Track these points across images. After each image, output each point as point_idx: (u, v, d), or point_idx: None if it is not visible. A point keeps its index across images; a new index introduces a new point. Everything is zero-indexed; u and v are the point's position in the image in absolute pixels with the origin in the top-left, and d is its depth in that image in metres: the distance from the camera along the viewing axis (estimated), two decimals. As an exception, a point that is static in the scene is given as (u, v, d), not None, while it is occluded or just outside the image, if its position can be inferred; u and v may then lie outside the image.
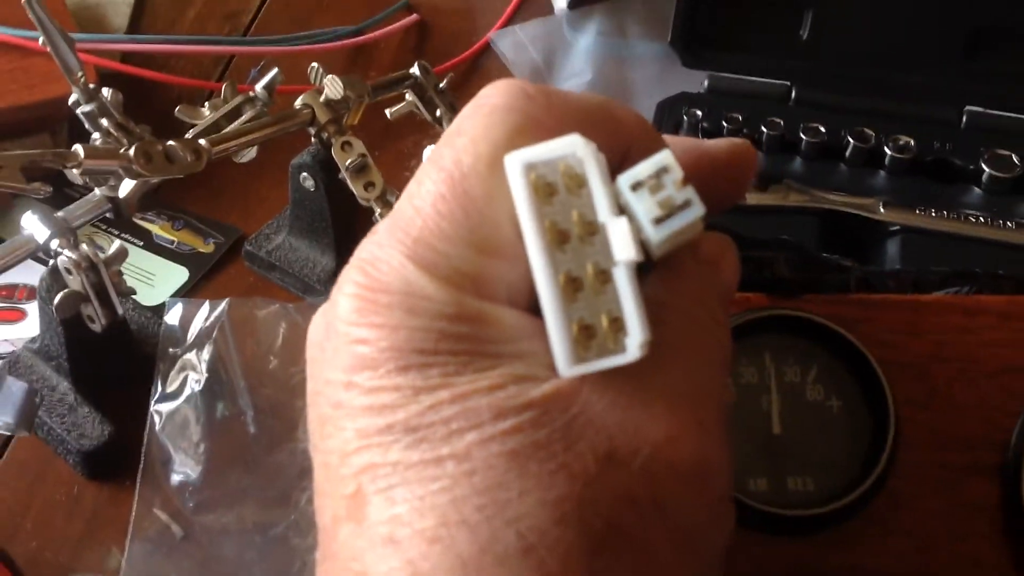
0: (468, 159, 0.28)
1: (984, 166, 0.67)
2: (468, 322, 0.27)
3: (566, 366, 0.26)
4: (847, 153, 0.70)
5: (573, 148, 0.27)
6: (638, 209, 0.27)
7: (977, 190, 0.68)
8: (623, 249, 0.26)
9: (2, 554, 0.52)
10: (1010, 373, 0.39)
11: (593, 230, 0.27)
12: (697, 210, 0.27)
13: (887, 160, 0.69)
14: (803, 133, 0.71)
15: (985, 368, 0.39)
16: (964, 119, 0.72)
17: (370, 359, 0.27)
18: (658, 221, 0.27)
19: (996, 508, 0.38)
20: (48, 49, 0.55)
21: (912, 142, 0.69)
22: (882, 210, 0.66)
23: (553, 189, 0.27)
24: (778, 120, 0.72)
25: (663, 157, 0.27)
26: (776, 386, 0.40)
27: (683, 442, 0.27)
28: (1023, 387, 0.39)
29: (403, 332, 0.27)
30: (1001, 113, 0.72)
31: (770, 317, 0.40)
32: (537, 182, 0.27)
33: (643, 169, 0.27)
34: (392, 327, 0.27)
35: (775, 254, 0.40)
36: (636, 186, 0.27)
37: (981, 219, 0.64)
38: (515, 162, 0.27)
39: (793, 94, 0.75)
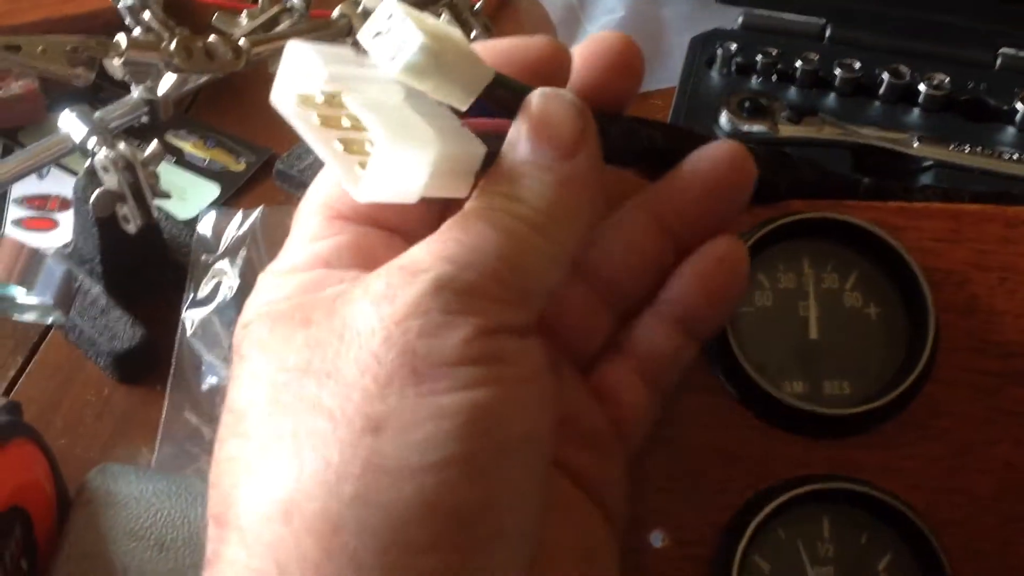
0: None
1: (1018, 106, 0.67)
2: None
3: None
4: (881, 90, 0.70)
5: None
6: (374, 53, 0.29)
7: (1011, 129, 0.68)
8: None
9: (39, 440, 0.53)
10: (1051, 283, 0.39)
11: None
12: (416, 39, 0.28)
13: (921, 97, 0.69)
14: (838, 68, 0.71)
15: (1026, 277, 0.39)
16: (999, 60, 0.71)
17: None
18: (392, 58, 0.28)
19: (1032, 415, 0.38)
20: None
21: (947, 80, 0.69)
22: (916, 145, 0.66)
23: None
24: (813, 56, 0.71)
25: (385, 3, 0.29)
26: (814, 292, 0.40)
27: None
28: (1063, 297, 0.39)
29: None
30: (1037, 55, 0.71)
31: (809, 220, 0.40)
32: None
33: (373, 19, 0.29)
34: None
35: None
36: (376, 35, 0.29)
37: (1015, 156, 0.64)
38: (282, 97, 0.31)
39: (828, 31, 0.74)
